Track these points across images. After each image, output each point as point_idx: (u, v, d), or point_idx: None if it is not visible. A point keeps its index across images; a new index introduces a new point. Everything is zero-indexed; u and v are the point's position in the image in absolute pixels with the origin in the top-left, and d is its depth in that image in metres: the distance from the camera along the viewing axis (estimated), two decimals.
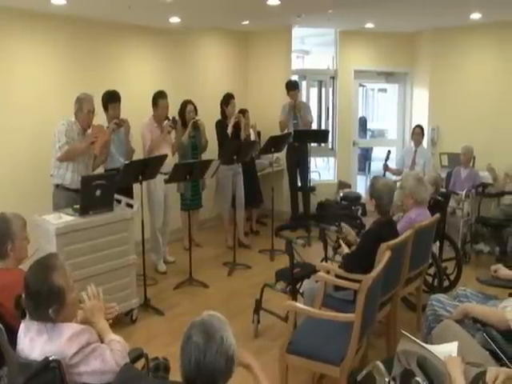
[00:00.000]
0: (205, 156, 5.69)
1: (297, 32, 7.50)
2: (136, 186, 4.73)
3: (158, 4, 4.56)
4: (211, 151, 5.85)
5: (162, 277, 5.17)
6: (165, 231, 5.41)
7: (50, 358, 1.89)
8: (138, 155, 5.07)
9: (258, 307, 3.94)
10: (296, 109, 6.65)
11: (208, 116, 5.88)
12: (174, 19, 5.47)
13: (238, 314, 4.25)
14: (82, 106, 4.26)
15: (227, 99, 5.91)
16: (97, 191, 3.84)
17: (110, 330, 2.20)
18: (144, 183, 4.63)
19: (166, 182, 4.75)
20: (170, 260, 5.54)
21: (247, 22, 6.41)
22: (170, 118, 5.21)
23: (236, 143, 5.62)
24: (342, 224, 3.78)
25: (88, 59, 5.36)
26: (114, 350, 2.08)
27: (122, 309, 3.96)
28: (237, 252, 5.52)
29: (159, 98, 5.15)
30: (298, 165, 6.76)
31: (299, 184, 6.87)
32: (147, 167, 4.40)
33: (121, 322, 3.95)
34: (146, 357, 2.35)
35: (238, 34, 7.33)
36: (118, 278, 3.99)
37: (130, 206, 4.21)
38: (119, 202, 4.22)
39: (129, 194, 4.61)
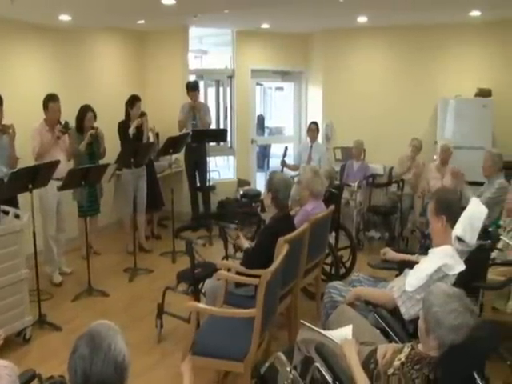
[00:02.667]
0: (107, 158, 5.46)
1: (194, 32, 7.47)
2: (23, 194, 4.40)
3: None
4: (114, 153, 5.64)
5: (58, 290, 4.88)
6: (59, 240, 5.11)
7: None
8: (27, 162, 4.73)
9: (161, 311, 3.87)
10: (195, 109, 6.62)
11: (105, 118, 5.67)
12: (64, 17, 5.18)
13: (141, 319, 4.15)
14: None
15: (132, 101, 5.76)
16: None
17: None
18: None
19: (60, 188, 4.50)
20: (67, 271, 5.25)
21: (143, 22, 6.27)
22: (63, 122, 4.93)
23: (133, 146, 5.46)
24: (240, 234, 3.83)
25: None
26: (1, 377, 1.91)
27: (13, 329, 3.71)
28: (138, 257, 5.37)
29: (50, 101, 4.86)
30: (197, 165, 6.74)
31: (198, 184, 6.84)
32: (38, 174, 4.13)
33: (12, 344, 3.69)
34: (40, 377, 2.20)
35: (134, 34, 7.14)
36: (8, 295, 3.70)
37: (18, 216, 3.92)
38: (6, 213, 3.91)
39: (12, 203, 4.27)
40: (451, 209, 2.78)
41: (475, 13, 6.14)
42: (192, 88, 6.62)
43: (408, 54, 7.23)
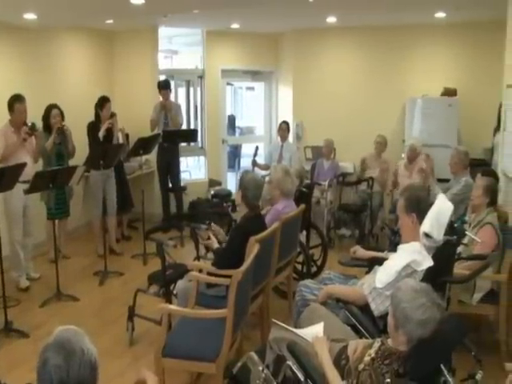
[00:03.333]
0: (76, 160, 5.37)
1: (164, 32, 7.42)
2: None
3: None
4: (83, 155, 5.54)
5: (25, 295, 4.76)
6: (26, 244, 4.99)
7: None
8: None
9: (132, 314, 3.82)
10: (166, 108, 6.57)
11: (74, 119, 5.58)
12: (29, 16, 5.04)
13: (112, 323, 4.09)
14: None
15: (102, 102, 5.67)
16: None
17: None
18: None
19: (27, 192, 4.38)
20: (35, 276, 5.13)
21: (111, 22, 6.18)
22: (29, 123, 4.81)
23: (102, 147, 5.38)
24: (213, 224, 3.81)
25: None
26: None
27: None
28: (108, 260, 5.29)
29: (15, 101, 4.73)
30: (169, 166, 6.69)
31: (170, 185, 6.80)
32: (3, 177, 4.01)
33: None
34: None
35: (103, 34, 7.03)
36: None
37: None
38: None
39: None
40: (421, 206, 2.83)
41: (440, 14, 6.28)
42: (162, 87, 6.58)
43: (376, 54, 7.35)
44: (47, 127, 5.22)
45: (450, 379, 2.04)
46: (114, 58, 7.29)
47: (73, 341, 1.60)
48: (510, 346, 3.55)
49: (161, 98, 6.60)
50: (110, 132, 5.64)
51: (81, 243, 6.16)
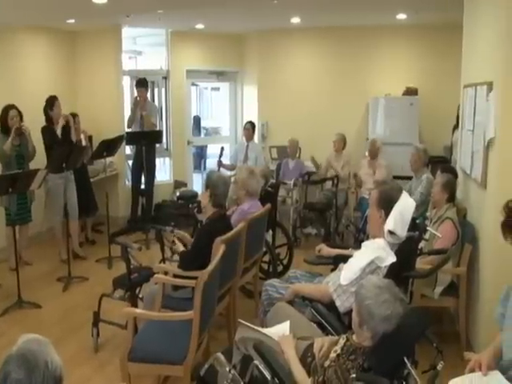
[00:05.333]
0: (34, 165, 5.22)
1: (127, 32, 7.32)
2: None
3: None
4: (41, 159, 5.41)
5: None
6: None
7: None
8: None
9: (97, 319, 3.75)
10: (139, 107, 6.50)
11: (33, 122, 5.42)
12: None
13: (77, 330, 4.01)
14: None
15: (51, 102, 5.52)
16: None
17: None
18: None
19: None
20: None
21: (73, 21, 6.05)
22: None
23: (64, 150, 5.26)
24: (176, 231, 3.78)
25: None
26: None
27: None
28: (72, 265, 5.18)
29: None
30: (143, 167, 6.60)
31: (143, 187, 6.74)
32: None
33: None
34: None
35: (64, 34, 6.87)
36: None
37: None
38: None
39: None
40: (391, 205, 2.87)
41: (401, 16, 6.42)
42: (136, 84, 6.63)
43: (340, 54, 7.45)
44: (5, 129, 5.07)
45: (412, 371, 2.08)
46: (76, 58, 7.15)
47: (36, 352, 1.53)
48: (469, 336, 3.66)
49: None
50: (67, 128, 5.52)
51: (43, 249, 6.00)
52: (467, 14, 4.40)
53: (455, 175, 4.21)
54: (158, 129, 6.94)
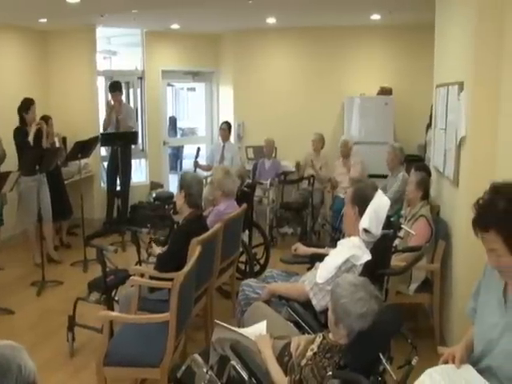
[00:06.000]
0: (4, 167, 5.12)
1: (102, 32, 7.24)
2: None
3: None
4: (13, 161, 5.30)
5: None
6: None
7: None
8: None
9: (72, 324, 3.69)
10: (114, 111, 6.42)
11: (4, 123, 5.34)
12: None
13: (51, 335, 3.94)
14: None
15: (26, 105, 5.42)
16: None
17: None
18: None
19: None
20: None
21: (45, 20, 5.95)
22: None
23: (37, 152, 5.17)
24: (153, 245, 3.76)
25: None
26: None
27: None
28: (46, 268, 5.08)
29: None
30: (119, 168, 6.52)
31: (118, 188, 6.68)
32: None
33: None
34: None
35: (36, 33, 6.76)
36: None
37: None
38: None
39: None
40: (365, 203, 2.90)
41: (376, 16, 6.50)
42: (109, 88, 6.57)
43: (316, 54, 7.50)
44: None
45: (388, 367, 2.11)
46: (49, 58, 7.03)
47: (9, 357, 1.49)
48: (443, 331, 3.73)
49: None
50: (39, 134, 5.43)
51: (16, 252, 5.87)
52: (439, 15, 4.47)
53: (429, 173, 4.27)
54: (134, 130, 6.89)
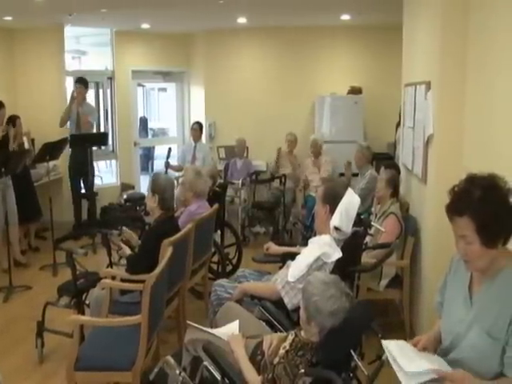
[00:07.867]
0: None
1: (71, 31, 7.12)
2: None
3: None
4: None
5: None
6: None
7: None
8: None
9: (41, 329, 3.60)
10: (76, 102, 6.31)
11: None
12: None
13: (19, 342, 3.84)
14: None
15: None
16: None
17: None
18: None
19: None
20: None
21: (10, 18, 5.81)
22: None
23: (3, 154, 5.04)
24: (124, 228, 3.70)
25: None
26: None
27: None
28: (13, 273, 4.95)
29: None
30: (82, 169, 6.39)
31: (83, 191, 6.54)
32: None
33: None
34: None
35: (1, 31, 6.58)
36: None
37: None
38: None
39: None
40: (336, 201, 2.92)
41: (345, 17, 6.57)
42: (76, 81, 6.43)
43: (286, 54, 7.54)
44: None
45: (359, 363, 2.13)
46: (15, 57, 6.87)
47: None
48: (412, 325, 3.80)
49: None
50: (5, 138, 5.30)
51: None
52: (406, 16, 4.55)
53: (398, 171, 4.34)
54: (94, 129, 6.75)
